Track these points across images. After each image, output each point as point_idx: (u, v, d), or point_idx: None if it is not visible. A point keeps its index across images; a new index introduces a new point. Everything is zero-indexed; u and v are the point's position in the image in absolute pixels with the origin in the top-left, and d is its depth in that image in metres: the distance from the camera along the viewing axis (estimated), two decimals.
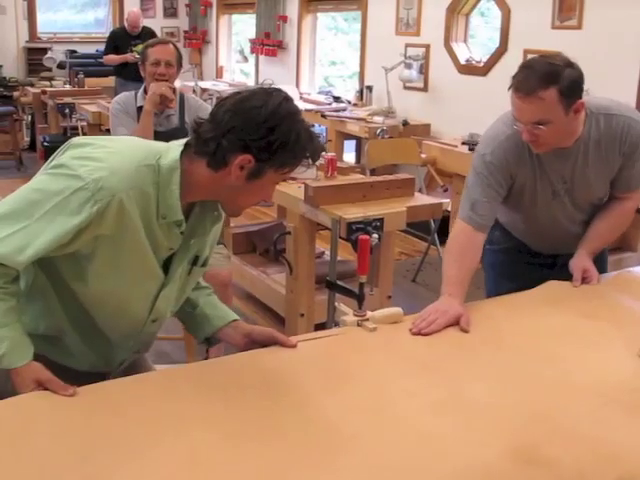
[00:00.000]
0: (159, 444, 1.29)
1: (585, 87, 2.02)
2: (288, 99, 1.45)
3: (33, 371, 1.42)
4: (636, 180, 2.21)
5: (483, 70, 5.52)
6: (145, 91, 3.33)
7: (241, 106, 1.42)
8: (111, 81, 7.46)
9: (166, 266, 1.55)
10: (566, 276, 2.19)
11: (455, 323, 1.85)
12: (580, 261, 2.18)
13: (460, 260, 2.05)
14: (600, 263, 2.28)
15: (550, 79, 1.90)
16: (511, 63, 5.08)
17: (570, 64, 1.94)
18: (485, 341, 1.79)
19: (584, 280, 2.15)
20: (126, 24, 7.16)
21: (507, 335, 1.82)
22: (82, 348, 1.59)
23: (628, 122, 2.10)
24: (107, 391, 1.48)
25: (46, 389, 1.41)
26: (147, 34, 6.76)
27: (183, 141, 1.49)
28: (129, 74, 6.59)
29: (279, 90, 1.48)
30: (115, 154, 1.42)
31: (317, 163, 3.48)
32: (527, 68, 1.96)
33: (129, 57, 6.94)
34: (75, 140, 1.46)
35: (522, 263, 2.39)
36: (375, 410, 1.45)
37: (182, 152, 1.46)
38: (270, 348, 1.68)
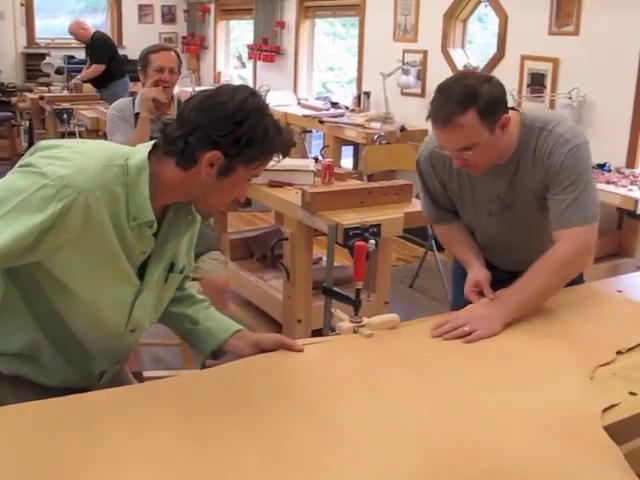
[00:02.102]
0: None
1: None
2: (255, 94, 1.45)
3: None
4: (567, 214, 1.88)
5: None
6: None
7: (207, 102, 1.42)
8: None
9: (141, 273, 1.53)
10: None
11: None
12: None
13: (457, 242, 2.18)
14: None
15: (466, 101, 1.77)
16: (509, 69, 5.10)
17: (488, 79, 1.82)
18: (420, 362, 1.65)
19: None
20: None
21: (444, 355, 1.70)
22: (60, 364, 1.54)
23: (558, 141, 1.88)
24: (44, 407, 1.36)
25: None
26: (95, 42, 7.17)
27: (151, 142, 1.47)
28: (95, 83, 7.07)
29: (246, 86, 1.49)
30: (82, 154, 1.40)
31: (314, 169, 3.50)
32: (442, 93, 1.84)
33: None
34: (43, 142, 1.45)
35: None
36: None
37: (150, 153, 1.45)
38: (263, 355, 1.65)
